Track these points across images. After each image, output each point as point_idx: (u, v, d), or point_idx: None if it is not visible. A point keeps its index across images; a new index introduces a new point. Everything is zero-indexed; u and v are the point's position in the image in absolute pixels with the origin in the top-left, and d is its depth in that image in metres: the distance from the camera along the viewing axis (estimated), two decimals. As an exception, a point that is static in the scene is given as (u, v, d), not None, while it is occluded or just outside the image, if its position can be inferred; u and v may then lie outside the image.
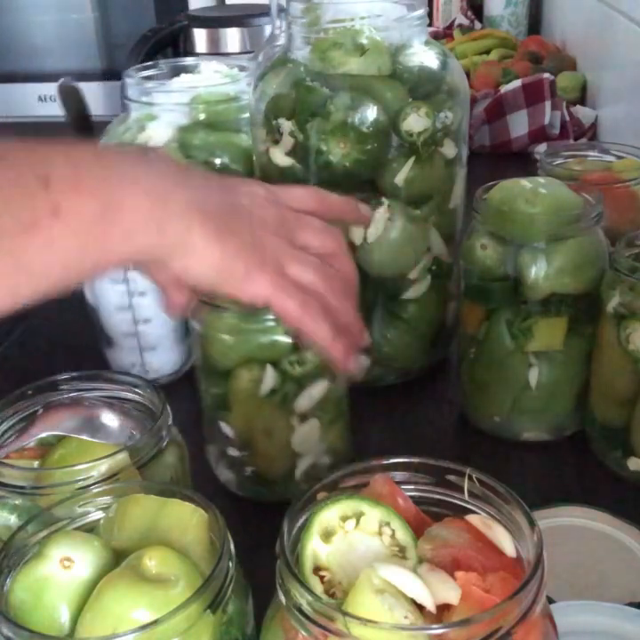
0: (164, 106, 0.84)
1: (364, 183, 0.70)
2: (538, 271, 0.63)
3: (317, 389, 0.61)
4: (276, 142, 0.71)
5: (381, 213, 0.69)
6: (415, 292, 0.74)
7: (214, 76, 0.91)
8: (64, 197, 0.39)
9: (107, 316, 0.78)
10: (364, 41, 0.68)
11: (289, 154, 0.70)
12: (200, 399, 0.65)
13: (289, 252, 0.49)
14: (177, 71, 0.93)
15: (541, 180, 0.68)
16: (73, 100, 0.77)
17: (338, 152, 0.68)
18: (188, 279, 0.47)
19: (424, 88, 0.70)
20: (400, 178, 0.69)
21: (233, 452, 0.63)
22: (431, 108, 0.68)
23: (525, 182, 0.66)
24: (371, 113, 0.67)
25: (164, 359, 0.80)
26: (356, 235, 0.70)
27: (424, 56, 0.71)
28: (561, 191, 0.66)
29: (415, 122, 0.67)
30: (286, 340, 0.59)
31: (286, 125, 0.69)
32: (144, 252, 0.44)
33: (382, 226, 0.70)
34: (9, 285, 0.39)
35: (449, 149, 0.72)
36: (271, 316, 0.58)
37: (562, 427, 0.70)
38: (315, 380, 0.61)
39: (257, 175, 0.76)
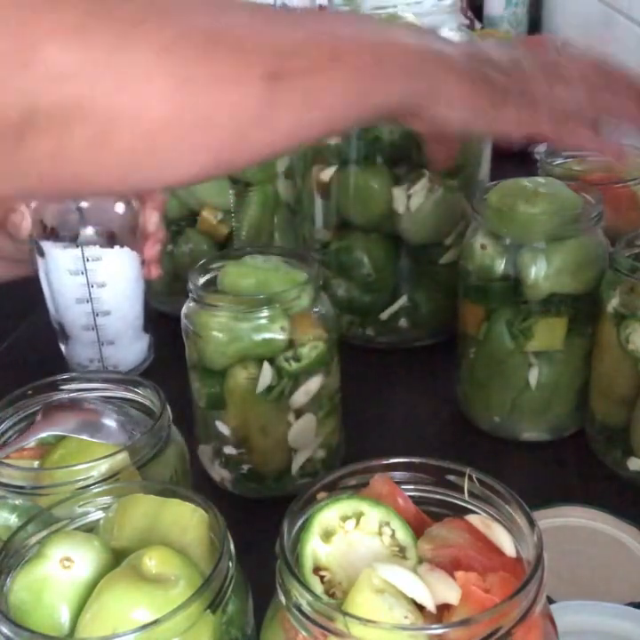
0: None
1: (404, 157, 0.76)
2: (538, 271, 0.63)
3: (313, 384, 0.61)
4: None
5: (423, 184, 0.76)
6: (450, 258, 0.79)
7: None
8: (344, 45, 0.44)
9: (64, 309, 0.77)
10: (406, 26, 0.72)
11: None
12: (192, 399, 0.65)
13: (551, 86, 0.53)
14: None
15: (541, 180, 0.68)
16: None
17: (386, 129, 0.74)
18: (442, 121, 0.50)
19: None
20: None
21: (229, 450, 0.63)
22: None
23: (525, 182, 0.67)
24: None
25: (123, 354, 0.79)
26: (400, 204, 0.76)
27: (455, 39, 0.75)
28: (561, 191, 0.66)
29: None
30: (281, 336, 0.59)
31: None
32: (409, 97, 0.48)
33: (424, 195, 0.76)
34: (299, 119, 0.43)
35: None
36: (265, 314, 0.59)
37: (562, 427, 0.70)
38: (310, 375, 0.61)
39: (300, 154, 0.82)
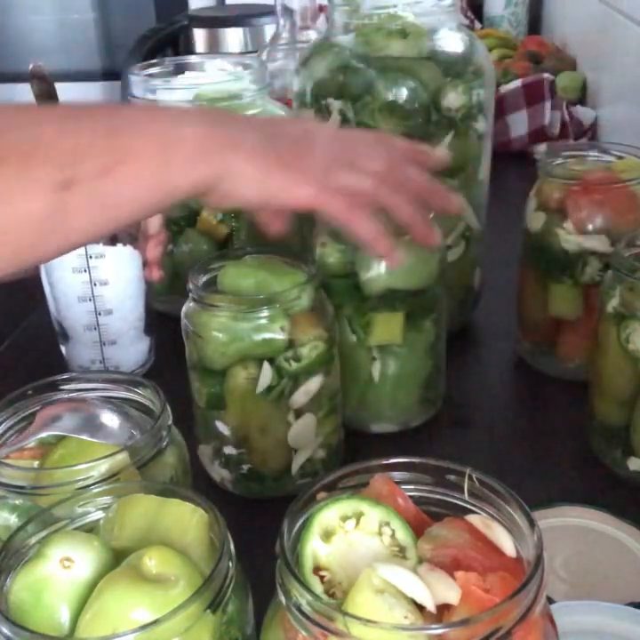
0: (168, 103, 0.84)
1: None
2: (372, 268, 0.65)
3: (313, 384, 0.62)
4: (324, 121, 0.76)
5: None
6: (451, 256, 0.80)
7: (218, 74, 0.92)
8: (133, 143, 0.46)
9: (66, 308, 0.76)
10: (406, 26, 0.74)
11: None
12: (192, 399, 0.65)
13: (340, 166, 0.54)
14: (181, 69, 0.93)
15: None
16: (43, 84, 0.78)
17: (385, 128, 0.74)
18: (238, 200, 0.51)
19: (456, 68, 0.76)
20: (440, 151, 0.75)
21: (229, 450, 0.63)
22: (467, 86, 0.74)
23: None
24: (414, 91, 0.74)
25: (124, 356, 0.79)
26: None
27: (455, 39, 0.77)
28: None
29: (454, 99, 0.74)
30: (281, 336, 0.59)
31: (335, 104, 0.75)
32: (200, 182, 0.49)
33: None
34: (92, 221, 0.46)
35: (481, 124, 0.78)
36: (265, 314, 0.59)
37: (408, 419, 0.72)
38: (310, 375, 0.61)
39: None
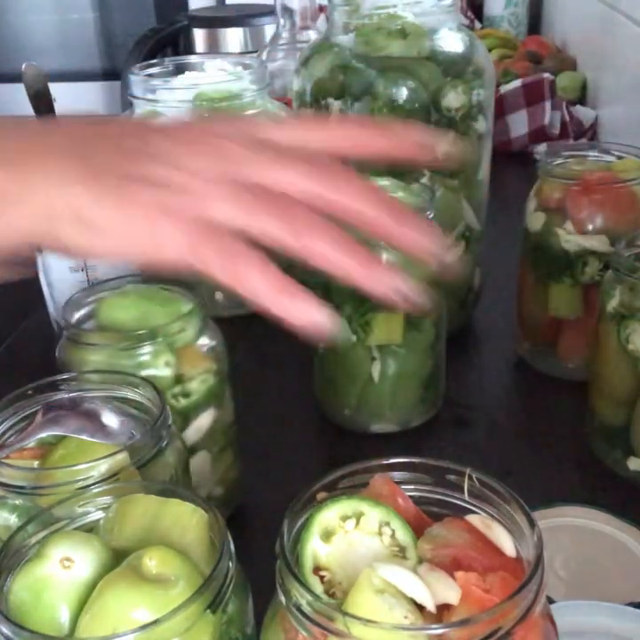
0: (168, 103, 0.84)
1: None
2: None
3: (204, 420, 0.58)
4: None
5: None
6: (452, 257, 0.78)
7: (218, 74, 0.92)
8: None
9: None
10: (406, 26, 0.74)
11: None
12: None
13: (207, 186, 0.38)
14: (181, 69, 0.93)
15: (378, 180, 0.68)
16: (36, 83, 0.78)
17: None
18: (82, 250, 0.39)
19: (455, 68, 0.76)
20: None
21: None
22: (467, 86, 0.74)
23: None
24: (414, 91, 0.75)
25: None
26: None
27: (455, 39, 0.77)
28: (394, 191, 0.69)
29: (454, 99, 0.74)
30: (166, 372, 0.55)
31: (335, 104, 0.76)
32: (26, 235, 0.38)
33: None
34: None
35: (481, 124, 0.78)
36: (147, 349, 0.54)
37: (408, 419, 0.72)
38: (201, 410, 0.57)
39: None
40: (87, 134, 0.40)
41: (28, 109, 1.12)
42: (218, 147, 0.39)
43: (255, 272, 0.37)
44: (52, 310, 0.77)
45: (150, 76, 0.89)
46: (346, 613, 0.32)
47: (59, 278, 0.74)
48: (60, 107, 1.14)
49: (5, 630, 0.33)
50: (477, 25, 1.88)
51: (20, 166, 0.38)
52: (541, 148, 1.30)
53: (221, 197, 0.38)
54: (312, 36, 1.23)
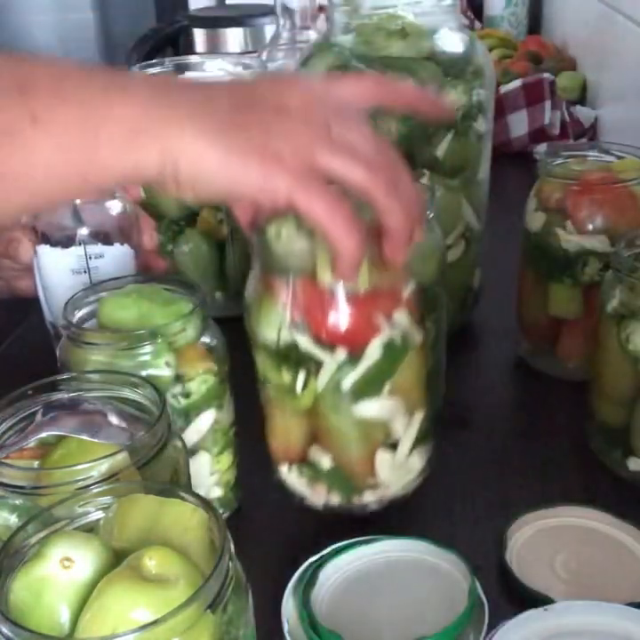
0: None
1: (405, 157, 0.76)
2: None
3: (204, 420, 0.58)
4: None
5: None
6: (451, 257, 0.79)
7: (218, 74, 0.92)
8: (42, 103, 0.38)
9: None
10: (406, 26, 0.74)
11: None
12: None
13: (318, 141, 0.43)
14: (181, 69, 0.93)
15: None
16: None
17: (385, 128, 0.74)
18: (197, 193, 0.42)
19: (455, 68, 0.76)
20: (440, 151, 0.76)
21: None
22: (467, 86, 0.75)
23: None
24: None
25: None
26: None
27: (455, 39, 0.77)
28: None
29: (454, 99, 0.74)
30: (166, 372, 0.55)
31: None
32: (139, 168, 0.40)
33: None
34: None
35: (481, 124, 0.78)
36: (148, 349, 0.54)
37: None
38: (201, 410, 0.58)
39: None
40: (207, 92, 0.44)
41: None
42: (311, 105, 0.45)
43: (349, 219, 0.44)
44: (48, 313, 0.77)
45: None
46: None
47: (58, 282, 0.73)
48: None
49: (5, 630, 0.33)
50: (477, 25, 1.88)
51: (165, 98, 0.41)
52: (541, 147, 1.30)
53: (326, 148, 0.43)
54: (312, 35, 1.22)
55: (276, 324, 0.54)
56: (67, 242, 0.70)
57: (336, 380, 0.54)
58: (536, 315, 0.79)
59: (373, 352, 0.54)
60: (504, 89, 1.35)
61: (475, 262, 0.86)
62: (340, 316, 0.52)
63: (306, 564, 0.55)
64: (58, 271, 0.73)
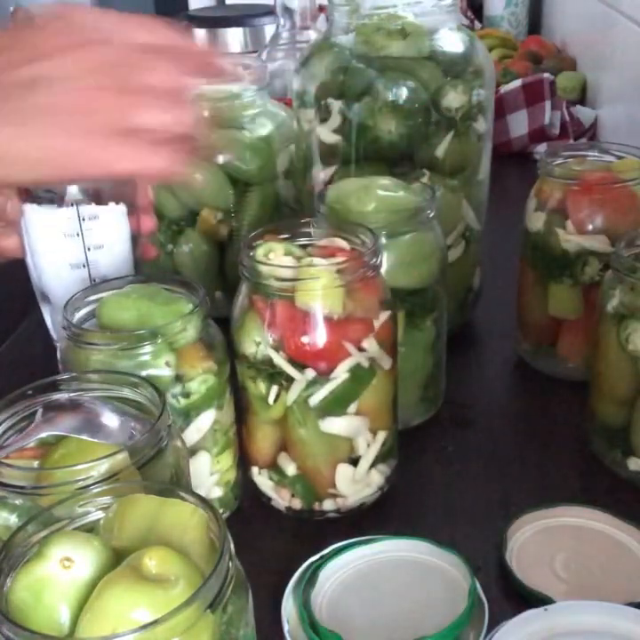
0: None
1: (405, 157, 0.77)
2: None
3: (205, 420, 0.58)
4: (324, 120, 0.77)
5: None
6: (451, 257, 0.79)
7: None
8: None
9: (55, 277, 0.68)
10: (406, 26, 0.74)
11: (336, 131, 0.77)
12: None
13: (127, 100, 0.44)
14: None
15: (380, 179, 0.70)
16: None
17: (385, 128, 0.75)
18: (15, 184, 0.42)
19: (456, 68, 0.76)
20: (440, 150, 0.76)
21: None
22: (467, 86, 0.75)
23: (361, 181, 0.70)
24: (414, 91, 0.75)
25: None
26: None
27: (455, 39, 0.77)
28: (396, 190, 0.69)
29: (454, 98, 0.75)
30: (166, 372, 0.55)
31: (336, 104, 0.76)
32: None
33: None
34: None
35: (481, 124, 0.79)
36: (148, 349, 0.55)
37: (408, 418, 0.72)
38: (201, 410, 0.58)
39: (300, 154, 0.83)
40: None
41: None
42: (96, 52, 0.44)
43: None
44: (36, 278, 0.69)
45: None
46: None
47: (50, 246, 0.66)
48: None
49: (5, 630, 0.33)
50: (477, 25, 1.88)
51: None
52: (541, 147, 1.31)
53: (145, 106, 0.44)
54: (312, 35, 1.23)
55: (256, 338, 0.58)
56: (56, 202, 0.64)
57: (305, 396, 0.58)
58: (536, 314, 0.79)
59: (340, 374, 0.58)
60: (504, 89, 1.35)
61: (475, 262, 0.86)
62: (312, 338, 0.56)
63: (306, 564, 0.55)
64: (47, 234, 0.66)
